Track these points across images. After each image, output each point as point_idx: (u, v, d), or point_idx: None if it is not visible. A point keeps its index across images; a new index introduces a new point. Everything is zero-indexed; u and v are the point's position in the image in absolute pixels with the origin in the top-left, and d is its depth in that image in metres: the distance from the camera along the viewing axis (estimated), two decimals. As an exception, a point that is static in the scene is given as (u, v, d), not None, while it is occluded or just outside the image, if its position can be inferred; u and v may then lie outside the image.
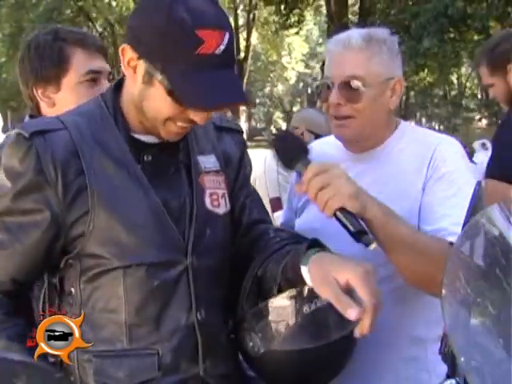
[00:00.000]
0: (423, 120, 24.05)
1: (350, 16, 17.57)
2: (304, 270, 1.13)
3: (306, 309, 1.12)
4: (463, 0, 10.90)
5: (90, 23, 24.99)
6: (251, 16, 24.05)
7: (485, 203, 0.96)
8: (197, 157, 1.28)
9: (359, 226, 1.11)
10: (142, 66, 1.11)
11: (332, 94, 1.36)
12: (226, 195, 1.30)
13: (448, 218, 1.27)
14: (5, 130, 3.05)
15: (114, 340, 1.20)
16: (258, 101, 34.55)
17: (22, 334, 1.15)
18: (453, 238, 1.18)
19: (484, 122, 18.13)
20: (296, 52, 33.25)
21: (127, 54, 1.12)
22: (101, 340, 1.19)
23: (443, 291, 0.77)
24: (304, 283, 1.13)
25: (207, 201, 1.26)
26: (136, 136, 1.23)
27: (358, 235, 1.11)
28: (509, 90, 2.38)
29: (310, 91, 33.58)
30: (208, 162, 1.29)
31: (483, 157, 3.52)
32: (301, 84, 35.88)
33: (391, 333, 1.33)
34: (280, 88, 36.20)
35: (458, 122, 18.56)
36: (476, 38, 12.99)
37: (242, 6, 24.85)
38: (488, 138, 4.03)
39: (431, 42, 11.15)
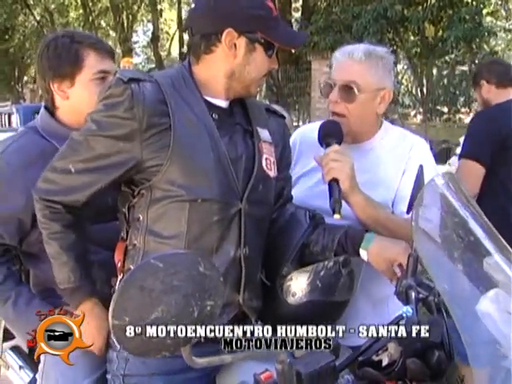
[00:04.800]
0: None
1: (293, 13, 17.97)
2: (363, 252, 1.47)
3: (343, 271, 1.47)
4: (401, 3, 11.50)
5: (27, 10, 24.05)
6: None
7: (461, 182, 1.32)
8: (256, 126, 1.54)
9: (337, 198, 1.50)
10: (242, 40, 1.42)
11: (333, 92, 1.69)
12: (275, 164, 1.55)
13: None
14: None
15: None
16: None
17: None
18: None
19: (419, 117, 18.96)
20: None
21: (229, 35, 1.41)
22: None
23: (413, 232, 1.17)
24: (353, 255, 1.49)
25: (264, 163, 1.51)
26: (207, 98, 1.47)
27: (333, 203, 1.49)
28: (483, 100, 3.20)
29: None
30: (263, 133, 1.55)
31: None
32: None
33: (361, 293, 1.67)
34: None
35: (394, 117, 19.23)
36: (412, 38, 13.67)
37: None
38: (421, 133, 4.36)
39: (371, 41, 11.64)
